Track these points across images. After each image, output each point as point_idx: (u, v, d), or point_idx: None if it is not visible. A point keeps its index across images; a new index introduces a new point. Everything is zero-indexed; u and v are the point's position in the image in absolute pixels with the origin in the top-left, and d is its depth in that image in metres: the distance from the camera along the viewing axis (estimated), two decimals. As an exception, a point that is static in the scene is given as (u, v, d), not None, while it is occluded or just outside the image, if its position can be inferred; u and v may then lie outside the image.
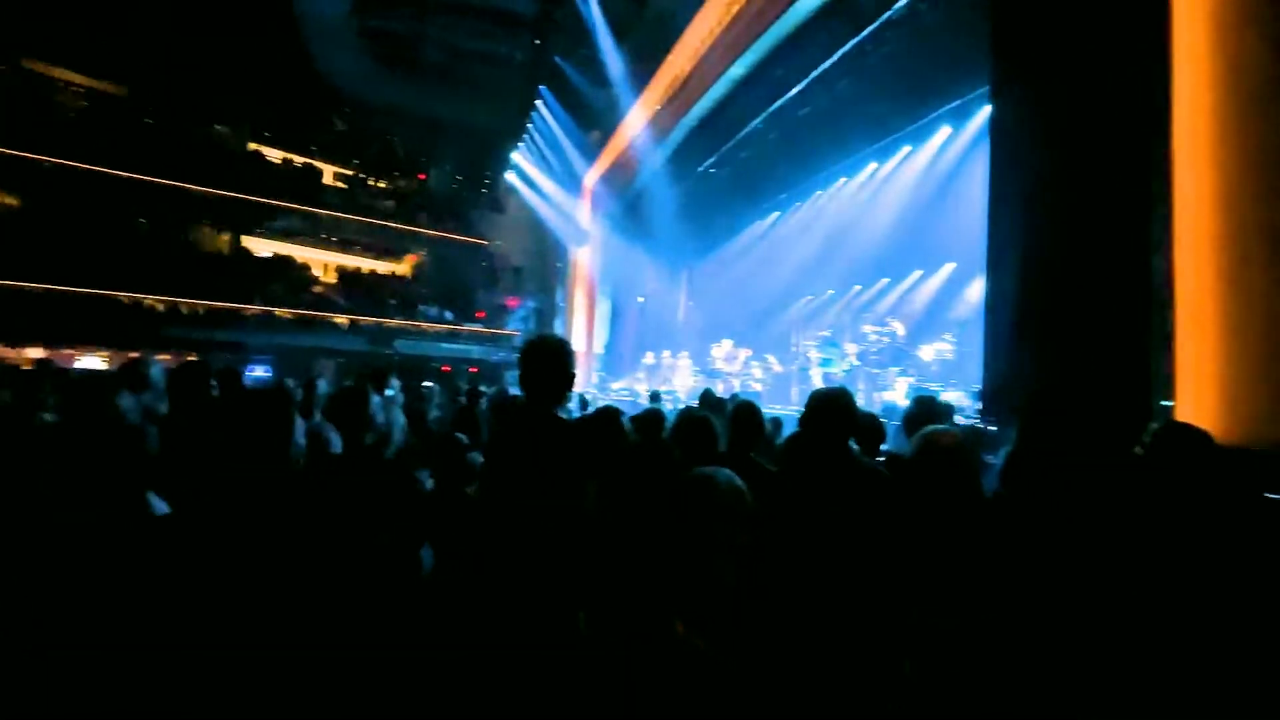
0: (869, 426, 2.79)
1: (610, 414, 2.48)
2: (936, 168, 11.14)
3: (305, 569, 1.50)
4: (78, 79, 17.29)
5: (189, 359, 5.00)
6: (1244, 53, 3.92)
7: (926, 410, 2.34)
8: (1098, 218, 4.52)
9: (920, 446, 1.63)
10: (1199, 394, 4.07)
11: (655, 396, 7.06)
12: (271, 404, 1.71)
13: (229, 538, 1.50)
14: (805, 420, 1.82)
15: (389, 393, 6.68)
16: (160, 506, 1.72)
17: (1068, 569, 1.23)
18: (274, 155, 20.97)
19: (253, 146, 20.35)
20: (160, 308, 15.76)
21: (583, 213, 17.88)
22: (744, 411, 2.27)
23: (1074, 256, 4.62)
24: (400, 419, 2.11)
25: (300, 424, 1.66)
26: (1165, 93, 4.22)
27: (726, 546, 0.97)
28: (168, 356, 13.03)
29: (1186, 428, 1.72)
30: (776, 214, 15.57)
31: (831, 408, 1.80)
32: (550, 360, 1.89)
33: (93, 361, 15.26)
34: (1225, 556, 1.53)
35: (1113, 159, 4.47)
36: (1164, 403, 4.32)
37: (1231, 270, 3.93)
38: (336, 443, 1.64)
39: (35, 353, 13.83)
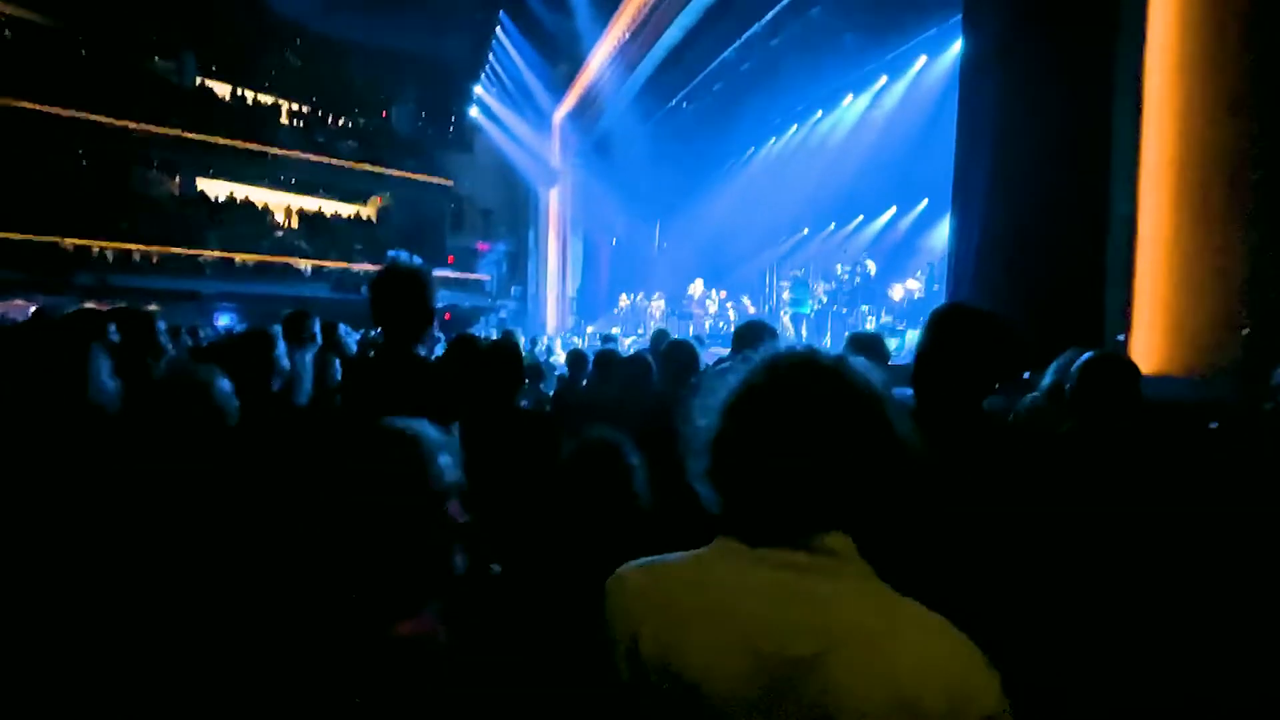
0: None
1: (466, 344, 2.18)
2: (914, 99, 10.83)
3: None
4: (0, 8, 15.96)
5: (127, 308, 4.76)
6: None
7: (862, 347, 2.29)
8: (1061, 155, 4.46)
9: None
10: (1152, 327, 4.12)
11: (607, 338, 7.02)
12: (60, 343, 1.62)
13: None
14: (732, 347, 1.75)
15: (353, 337, 6.47)
16: None
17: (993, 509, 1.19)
18: (223, 90, 19.76)
19: (200, 81, 19.13)
20: (108, 255, 15.09)
21: (552, 152, 17.26)
22: (679, 350, 2.19)
23: (1036, 193, 4.57)
24: (309, 364, 1.98)
25: (105, 363, 1.54)
26: (1140, 28, 4.12)
27: (432, 514, 0.82)
28: (121, 306, 12.52)
29: (1114, 359, 1.68)
30: (751, 149, 15.18)
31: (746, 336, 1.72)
32: (404, 291, 1.61)
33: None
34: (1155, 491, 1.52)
35: (1079, 95, 4.38)
36: (1119, 337, 4.37)
37: (1192, 206, 3.94)
38: (225, 387, 1.53)
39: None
